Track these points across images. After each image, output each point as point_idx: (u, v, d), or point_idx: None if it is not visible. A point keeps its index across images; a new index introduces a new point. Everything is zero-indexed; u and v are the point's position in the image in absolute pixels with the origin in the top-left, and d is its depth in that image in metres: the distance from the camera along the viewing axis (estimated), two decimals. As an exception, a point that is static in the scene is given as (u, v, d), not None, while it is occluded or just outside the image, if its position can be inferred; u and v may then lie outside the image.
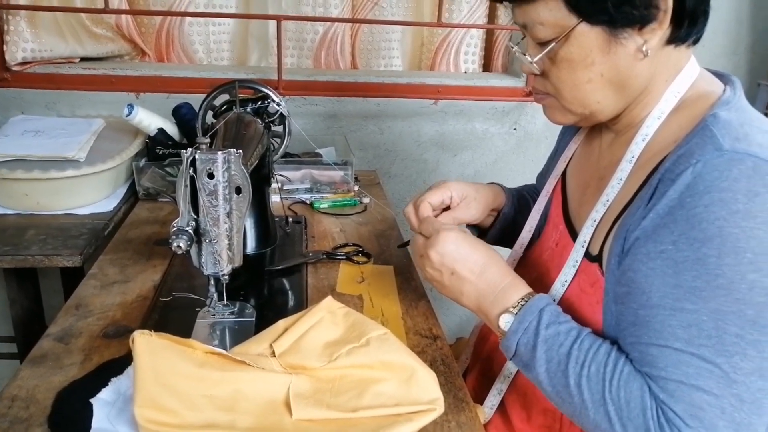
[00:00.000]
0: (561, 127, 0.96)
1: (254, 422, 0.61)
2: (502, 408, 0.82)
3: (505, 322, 0.69)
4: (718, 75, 0.72)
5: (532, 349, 0.66)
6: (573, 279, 0.73)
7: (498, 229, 0.97)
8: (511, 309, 0.69)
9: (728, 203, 0.56)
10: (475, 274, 0.72)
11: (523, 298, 0.70)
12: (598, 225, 0.71)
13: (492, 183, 1.00)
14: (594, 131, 0.83)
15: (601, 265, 0.69)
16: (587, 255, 0.72)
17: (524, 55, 0.71)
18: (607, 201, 0.70)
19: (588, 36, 0.65)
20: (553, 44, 0.67)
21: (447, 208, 0.91)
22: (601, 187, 0.73)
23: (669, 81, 0.69)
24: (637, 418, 0.59)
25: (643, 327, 0.61)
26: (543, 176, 1.00)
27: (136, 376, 0.59)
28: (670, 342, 0.59)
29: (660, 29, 0.64)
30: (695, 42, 0.68)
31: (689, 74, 0.69)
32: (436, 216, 0.90)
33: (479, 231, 1.00)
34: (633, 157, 0.69)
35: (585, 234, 0.72)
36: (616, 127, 0.76)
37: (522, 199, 1.00)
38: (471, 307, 0.74)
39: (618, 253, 0.65)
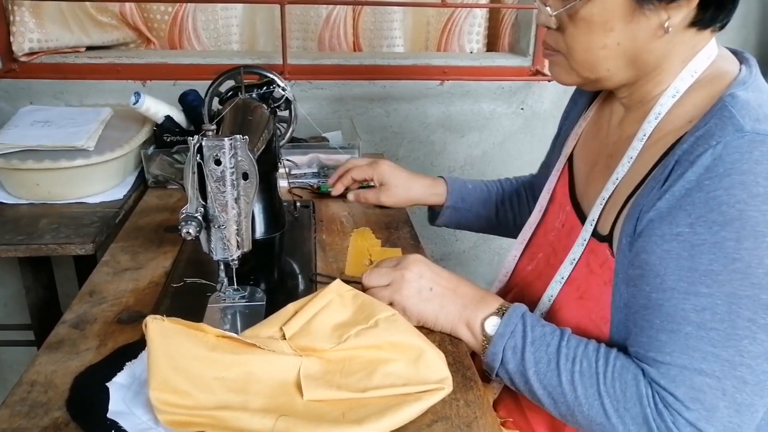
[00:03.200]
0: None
1: (266, 403, 0.62)
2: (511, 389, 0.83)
3: (492, 325, 0.70)
4: (733, 53, 0.71)
5: (521, 352, 0.67)
6: (581, 258, 0.73)
7: (446, 221, 1.07)
8: (496, 312, 0.71)
9: (749, 186, 0.56)
10: (451, 289, 0.76)
11: (502, 305, 0.72)
12: (606, 203, 0.71)
13: (440, 177, 1.09)
14: (604, 109, 0.82)
15: (611, 246, 0.69)
16: (596, 235, 0.71)
17: (545, 5, 0.69)
18: (617, 179, 0.70)
19: (613, 0, 0.64)
20: (576, 1, 0.65)
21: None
22: (610, 165, 0.73)
23: (686, 62, 0.67)
24: (634, 407, 0.60)
25: (656, 311, 0.61)
26: (546, 167, 1.00)
27: (149, 360, 0.61)
28: (682, 326, 0.59)
29: (686, 7, 0.62)
30: (721, 28, 0.67)
31: (708, 55, 0.68)
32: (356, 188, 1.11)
33: (432, 212, 1.12)
34: (645, 135, 0.69)
35: (594, 212, 0.72)
36: (627, 102, 0.75)
37: (486, 196, 1.07)
38: (451, 319, 0.75)
39: (630, 234, 0.64)
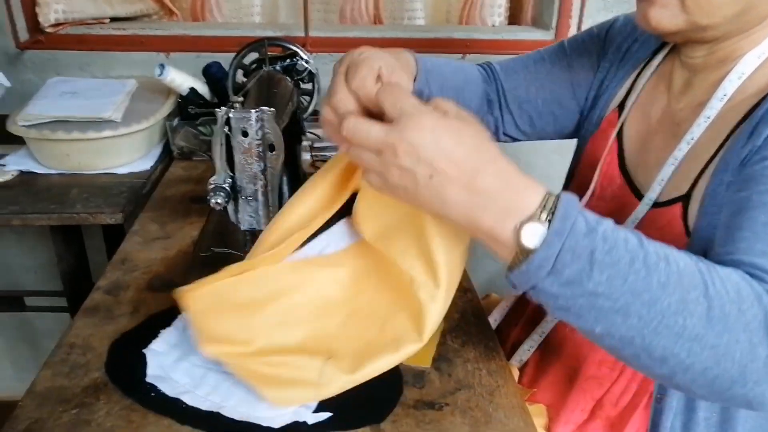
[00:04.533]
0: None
1: (305, 332, 0.65)
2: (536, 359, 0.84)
3: (536, 235, 0.48)
4: None
5: (590, 252, 0.47)
6: (639, 222, 0.72)
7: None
8: (536, 215, 0.48)
9: None
10: (464, 182, 0.49)
11: (545, 200, 0.49)
12: (680, 165, 0.69)
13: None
14: (662, 74, 0.80)
15: (685, 207, 0.67)
16: (655, 203, 0.70)
17: None
18: (692, 139, 0.68)
19: None
20: None
21: None
22: (676, 132, 0.72)
23: None
24: (751, 308, 0.49)
25: (761, 209, 0.56)
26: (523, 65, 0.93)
27: (193, 324, 0.64)
28: None
29: None
30: None
31: None
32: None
33: None
34: (725, 95, 0.67)
35: (664, 172, 0.70)
36: (702, 63, 0.71)
37: (438, 76, 0.83)
38: (459, 223, 0.52)
39: (724, 181, 0.63)
